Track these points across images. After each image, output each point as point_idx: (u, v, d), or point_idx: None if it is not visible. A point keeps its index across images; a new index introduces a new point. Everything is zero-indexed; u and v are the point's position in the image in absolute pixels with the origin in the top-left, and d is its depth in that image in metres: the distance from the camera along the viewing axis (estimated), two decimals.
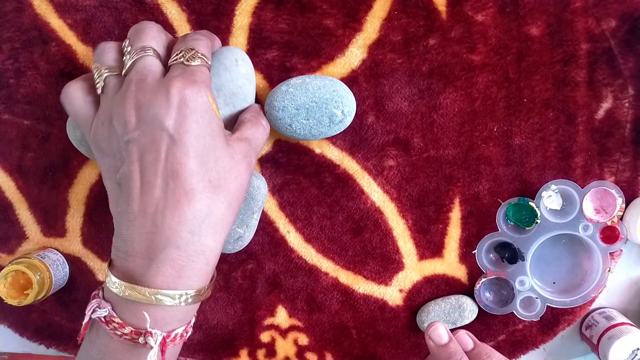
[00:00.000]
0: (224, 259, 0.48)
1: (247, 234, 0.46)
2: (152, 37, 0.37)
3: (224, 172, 0.35)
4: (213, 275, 0.37)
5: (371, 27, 0.45)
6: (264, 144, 0.42)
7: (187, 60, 0.36)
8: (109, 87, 0.37)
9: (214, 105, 0.35)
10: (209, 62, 0.38)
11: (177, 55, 0.36)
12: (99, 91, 0.37)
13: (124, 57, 0.37)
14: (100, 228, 0.48)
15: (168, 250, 0.33)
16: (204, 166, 0.34)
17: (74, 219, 0.48)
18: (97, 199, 0.47)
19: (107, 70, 0.37)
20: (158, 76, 0.35)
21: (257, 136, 0.40)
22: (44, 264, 0.46)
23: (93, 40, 0.45)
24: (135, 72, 0.35)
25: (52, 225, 0.48)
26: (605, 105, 0.46)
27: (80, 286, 0.49)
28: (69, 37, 0.45)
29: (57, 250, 0.48)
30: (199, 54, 0.36)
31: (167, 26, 0.45)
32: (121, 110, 0.34)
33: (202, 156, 0.34)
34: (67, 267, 0.48)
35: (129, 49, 0.37)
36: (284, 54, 0.45)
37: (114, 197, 0.36)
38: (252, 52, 0.45)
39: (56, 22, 0.44)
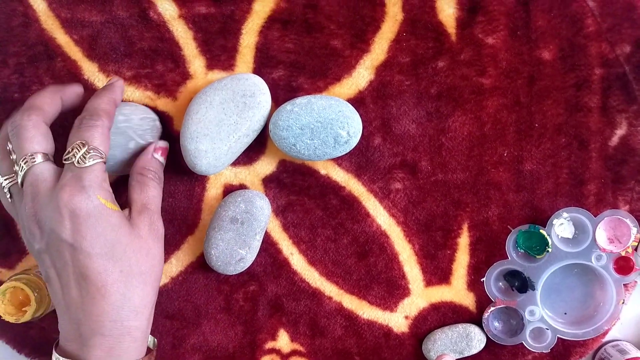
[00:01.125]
0: (226, 280, 0.47)
1: (249, 255, 0.45)
2: (32, 137, 0.38)
3: (134, 256, 0.38)
4: (154, 342, 0.43)
5: (379, 48, 0.44)
6: (161, 196, 0.42)
7: (78, 162, 0.37)
8: (15, 197, 0.39)
9: (107, 203, 0.37)
10: (103, 153, 0.38)
11: (68, 154, 0.37)
12: (8, 200, 0.40)
13: (14, 167, 0.38)
14: None
15: (95, 337, 0.36)
16: (110, 260, 0.36)
17: None
18: None
19: (7, 180, 0.39)
20: (50, 185, 0.37)
21: (150, 196, 0.41)
22: (43, 280, 0.45)
23: (99, 57, 0.45)
24: (27, 185, 0.37)
25: None
26: (620, 131, 0.44)
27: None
28: (75, 52, 0.45)
29: None
30: (91, 151, 0.37)
31: (173, 44, 0.44)
32: (27, 224, 0.37)
33: (106, 253, 0.36)
34: None
35: (15, 157, 0.38)
36: (290, 73, 0.45)
37: (49, 288, 0.39)
38: (258, 71, 0.45)
39: (62, 38, 0.44)
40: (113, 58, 0.45)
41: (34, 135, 0.38)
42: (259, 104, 0.42)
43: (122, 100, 0.45)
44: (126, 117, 0.42)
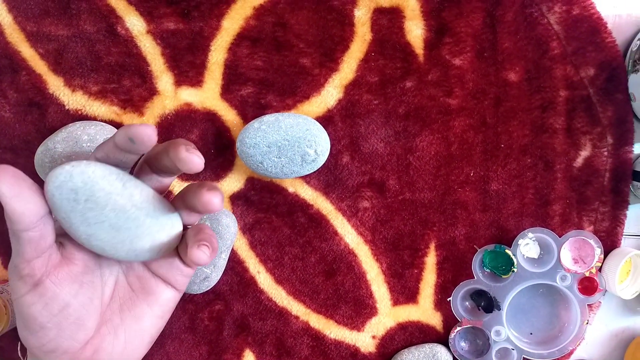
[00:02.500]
0: (191, 299, 0.46)
1: (215, 274, 0.44)
2: None
3: None
4: None
5: (348, 67, 0.44)
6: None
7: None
8: None
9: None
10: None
11: None
12: None
13: None
14: None
15: None
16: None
17: None
18: None
19: None
20: None
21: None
22: (2, 298, 0.44)
23: (65, 71, 0.44)
24: None
25: None
26: (584, 153, 0.45)
27: None
28: (40, 66, 0.44)
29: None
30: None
31: (141, 60, 0.44)
32: None
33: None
34: None
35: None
36: (259, 90, 0.44)
37: None
38: (227, 88, 0.44)
39: (27, 51, 0.44)
40: (79, 72, 0.44)
41: None
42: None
43: (87, 117, 0.44)
44: (90, 137, 0.42)
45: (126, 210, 0.30)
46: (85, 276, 0.33)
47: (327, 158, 0.44)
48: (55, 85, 0.44)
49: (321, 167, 0.45)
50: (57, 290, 0.32)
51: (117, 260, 0.34)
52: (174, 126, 0.45)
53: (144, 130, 0.29)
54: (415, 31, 0.44)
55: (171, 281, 0.35)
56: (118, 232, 0.31)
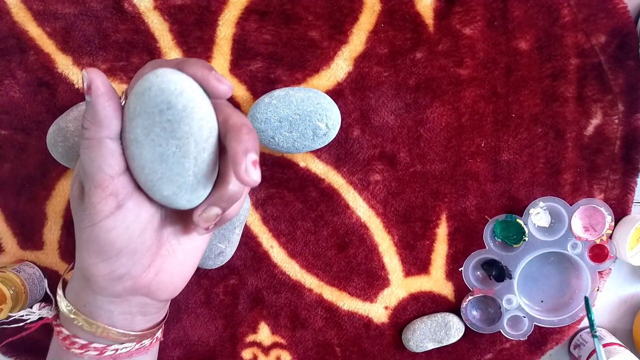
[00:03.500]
0: (205, 274, 0.47)
1: (229, 249, 0.45)
2: None
3: None
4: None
5: (357, 39, 0.44)
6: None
7: None
8: None
9: None
10: None
11: None
12: None
13: None
14: None
15: None
16: None
17: (52, 232, 0.46)
18: None
19: None
20: None
21: None
22: (20, 277, 0.45)
23: (73, 49, 0.44)
24: None
25: (29, 237, 0.47)
26: (595, 121, 0.45)
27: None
28: (48, 45, 0.44)
29: (34, 263, 0.47)
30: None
31: (149, 36, 0.44)
32: None
33: None
34: (45, 280, 0.47)
35: None
36: (268, 65, 0.44)
37: None
38: (235, 63, 0.44)
39: (35, 30, 0.43)
40: (87, 51, 0.44)
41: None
42: (185, 111, 0.29)
43: None
44: None
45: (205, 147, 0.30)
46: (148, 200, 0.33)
47: (338, 132, 0.44)
48: (64, 64, 0.44)
49: (332, 141, 0.45)
50: (139, 213, 0.32)
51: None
52: None
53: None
54: (425, 0, 0.43)
55: (189, 236, 0.36)
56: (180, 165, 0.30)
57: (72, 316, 0.35)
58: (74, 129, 0.42)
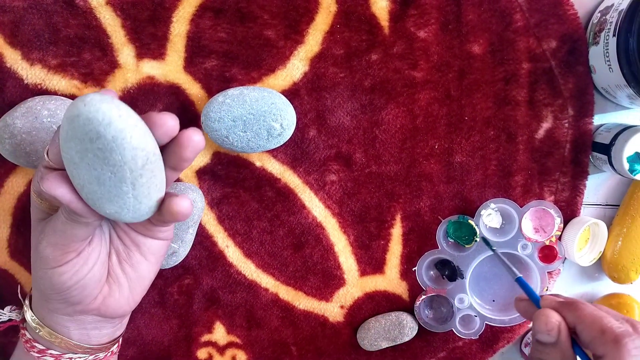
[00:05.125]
0: (159, 274, 0.46)
1: (182, 249, 0.44)
2: None
3: None
4: None
5: (313, 39, 0.44)
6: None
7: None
8: None
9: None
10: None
11: None
12: None
13: None
14: (28, 239, 0.45)
15: None
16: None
17: (1, 230, 0.45)
18: (25, 210, 0.45)
19: None
20: None
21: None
22: None
23: (22, 44, 0.43)
24: None
25: None
26: (546, 125, 0.46)
27: (7, 299, 0.47)
28: None
29: None
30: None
31: (101, 32, 0.43)
32: None
33: None
34: None
35: None
36: (223, 63, 0.44)
37: None
38: (190, 61, 0.44)
39: None
40: (37, 45, 0.43)
41: None
42: (115, 141, 0.28)
43: (47, 92, 0.43)
44: (51, 112, 0.41)
45: (143, 163, 0.29)
46: (101, 235, 0.36)
47: (294, 132, 0.44)
48: (13, 58, 0.43)
49: (288, 141, 0.45)
50: (90, 256, 0.35)
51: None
52: (137, 100, 0.44)
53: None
54: (380, 2, 0.44)
55: (155, 237, 0.37)
56: (121, 184, 0.30)
57: (35, 325, 0.38)
58: (21, 126, 0.41)
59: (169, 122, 0.30)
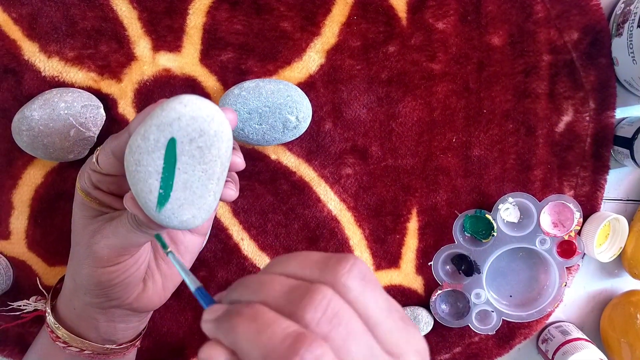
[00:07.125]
0: None
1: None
2: None
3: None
4: None
5: (330, 31, 0.44)
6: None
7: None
8: None
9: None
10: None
11: None
12: None
13: None
14: (45, 231, 0.46)
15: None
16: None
17: (19, 221, 0.46)
18: (43, 201, 0.45)
19: None
20: None
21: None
22: None
23: (39, 36, 0.43)
24: None
25: None
26: (566, 118, 0.45)
27: (24, 290, 0.47)
28: (14, 32, 0.43)
29: (1, 253, 0.46)
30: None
31: (118, 24, 0.43)
32: None
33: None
34: (12, 270, 0.46)
35: None
36: (239, 56, 0.44)
37: None
38: (206, 53, 0.44)
39: (0, 16, 0.42)
40: (54, 38, 0.43)
41: None
42: (217, 135, 0.29)
43: (64, 84, 0.43)
44: (68, 105, 0.41)
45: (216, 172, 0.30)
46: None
47: (310, 125, 0.44)
48: (31, 51, 0.43)
49: (303, 133, 0.44)
50: (139, 257, 0.36)
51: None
52: (153, 92, 0.44)
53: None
54: None
55: (196, 231, 0.39)
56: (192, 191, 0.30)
57: (56, 327, 0.39)
58: (38, 118, 0.41)
59: (229, 114, 0.32)
